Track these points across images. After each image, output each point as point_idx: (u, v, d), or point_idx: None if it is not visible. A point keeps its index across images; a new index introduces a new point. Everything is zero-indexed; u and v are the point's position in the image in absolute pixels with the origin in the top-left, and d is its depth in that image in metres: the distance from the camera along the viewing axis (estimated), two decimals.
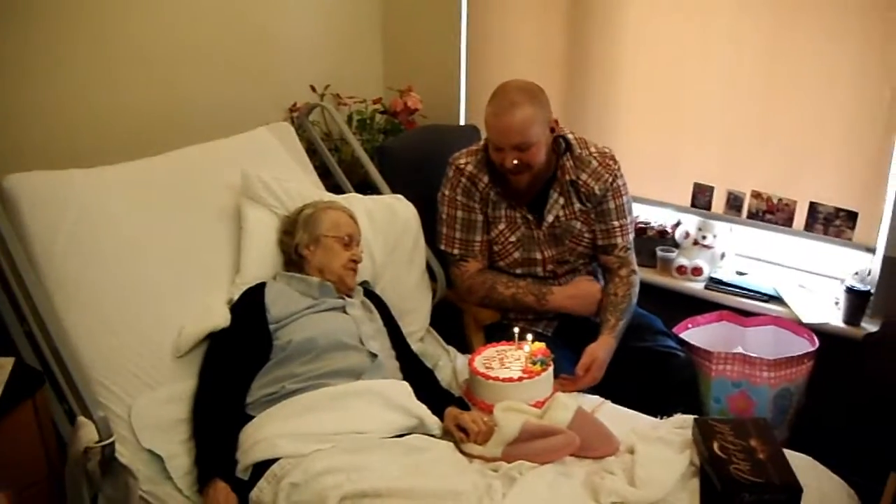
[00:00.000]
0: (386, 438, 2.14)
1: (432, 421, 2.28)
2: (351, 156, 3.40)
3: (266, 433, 2.10)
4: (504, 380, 2.38)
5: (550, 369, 2.45)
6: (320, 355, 2.29)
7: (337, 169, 3.24)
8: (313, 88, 3.51)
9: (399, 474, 1.97)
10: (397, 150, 3.32)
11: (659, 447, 2.18)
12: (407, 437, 2.18)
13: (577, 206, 2.75)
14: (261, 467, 2.04)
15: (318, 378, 2.25)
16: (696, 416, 2.28)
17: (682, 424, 2.30)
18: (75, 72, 2.70)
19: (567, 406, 2.26)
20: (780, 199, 3.27)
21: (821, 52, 3.05)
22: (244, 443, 2.11)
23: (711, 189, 3.40)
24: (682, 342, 2.95)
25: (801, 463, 2.09)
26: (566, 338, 2.81)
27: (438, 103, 3.87)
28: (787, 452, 2.10)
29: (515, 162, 2.58)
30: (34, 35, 2.57)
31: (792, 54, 3.10)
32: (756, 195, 3.31)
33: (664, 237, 3.47)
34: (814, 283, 3.31)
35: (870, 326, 3.07)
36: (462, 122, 3.93)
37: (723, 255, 3.45)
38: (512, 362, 2.47)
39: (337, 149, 3.50)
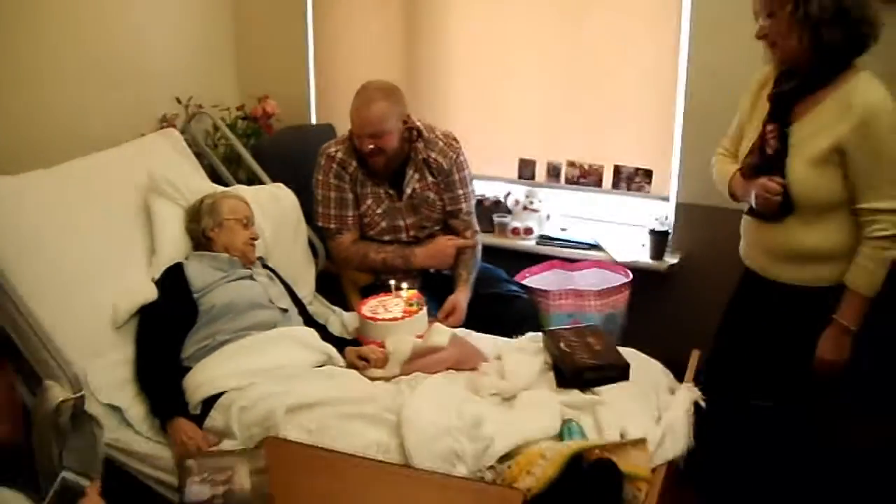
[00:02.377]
0: (306, 368, 2.67)
1: (338, 356, 2.82)
2: (226, 157, 3.88)
3: (208, 375, 2.59)
4: (390, 320, 2.93)
5: (425, 308, 3.02)
6: (240, 314, 2.79)
7: (221, 167, 3.73)
8: (178, 100, 3.94)
9: (325, 390, 2.50)
10: (268, 149, 3.86)
11: (518, 353, 2.78)
12: (321, 368, 2.71)
13: (430, 179, 3.33)
14: (208, 404, 2.52)
15: (242, 331, 2.75)
16: (544, 329, 2.90)
17: (533, 338, 2.91)
18: None
19: (443, 332, 2.85)
20: (590, 165, 3.95)
21: (612, 36, 3.77)
22: (190, 386, 2.58)
23: (534, 162, 4.06)
24: (524, 287, 3.58)
25: (627, 353, 2.73)
26: (429, 292, 3.36)
27: (291, 106, 4.39)
28: (617, 347, 2.74)
29: (371, 147, 3.15)
30: None
31: (589, 41, 3.82)
32: (571, 164, 4.00)
33: (498, 206, 4.11)
34: (624, 231, 4.02)
35: (671, 259, 3.79)
36: (314, 122, 4.47)
37: (548, 216, 4.11)
38: (392, 307, 3.02)
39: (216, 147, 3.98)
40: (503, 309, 3.36)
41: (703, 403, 2.48)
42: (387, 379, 2.71)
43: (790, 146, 2.46)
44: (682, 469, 2.38)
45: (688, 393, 2.49)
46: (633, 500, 2.06)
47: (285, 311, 2.91)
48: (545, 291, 3.56)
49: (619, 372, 2.60)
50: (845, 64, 2.40)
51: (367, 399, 2.46)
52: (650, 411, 2.42)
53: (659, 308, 3.75)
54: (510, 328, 3.10)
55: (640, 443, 2.15)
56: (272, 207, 3.36)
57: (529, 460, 2.05)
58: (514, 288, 3.51)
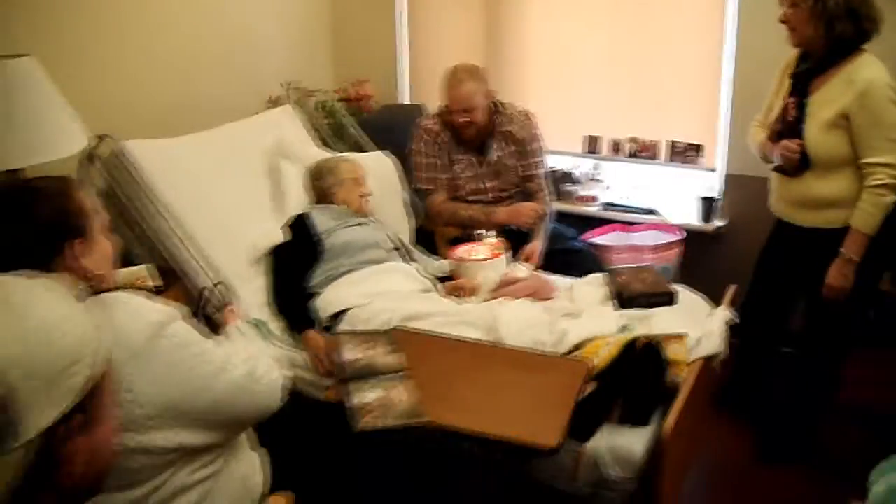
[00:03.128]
0: (414, 292, 3.30)
1: (438, 287, 3.44)
2: (332, 132, 4.54)
3: (335, 296, 3.22)
4: (479, 260, 3.53)
5: (508, 252, 3.62)
6: (357, 251, 3.42)
7: (330, 136, 4.39)
8: (282, 84, 4.56)
9: (431, 306, 3.12)
10: (368, 125, 4.52)
11: (585, 285, 3.39)
12: (426, 293, 3.34)
13: (510, 148, 3.94)
14: (337, 318, 3.15)
15: (359, 265, 3.37)
16: (606, 269, 3.51)
17: (597, 277, 3.49)
18: (122, 69, 3.76)
19: (523, 268, 3.47)
20: (648, 141, 4.53)
21: (667, 25, 4.36)
22: (320, 305, 3.21)
23: (599, 138, 4.65)
24: (591, 244, 4.18)
25: (675, 287, 3.31)
26: (509, 245, 3.95)
27: (385, 88, 5.05)
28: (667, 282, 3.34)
29: (463, 120, 3.77)
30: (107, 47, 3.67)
31: (647, 29, 4.41)
32: (631, 139, 4.58)
33: (567, 176, 4.70)
34: (678, 198, 4.58)
35: (718, 222, 4.36)
36: (407, 101, 5.12)
37: (609, 186, 4.70)
38: (480, 251, 3.61)
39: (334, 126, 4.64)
40: (572, 259, 3.91)
41: (736, 319, 3.06)
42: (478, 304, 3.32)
43: (807, 115, 3.05)
44: (717, 370, 2.97)
45: (722, 313, 3.08)
46: (674, 379, 2.65)
47: (392, 250, 3.54)
48: (608, 246, 4.16)
49: (667, 298, 3.20)
50: (852, 49, 2.98)
51: (465, 311, 3.07)
52: (692, 324, 3.00)
53: (707, 264, 4.31)
54: (578, 275, 3.63)
55: (680, 337, 2.74)
56: (378, 171, 3.98)
57: (596, 347, 2.67)
58: (581, 244, 4.12)
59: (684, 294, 3.32)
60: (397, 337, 2.61)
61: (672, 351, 2.69)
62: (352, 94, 4.87)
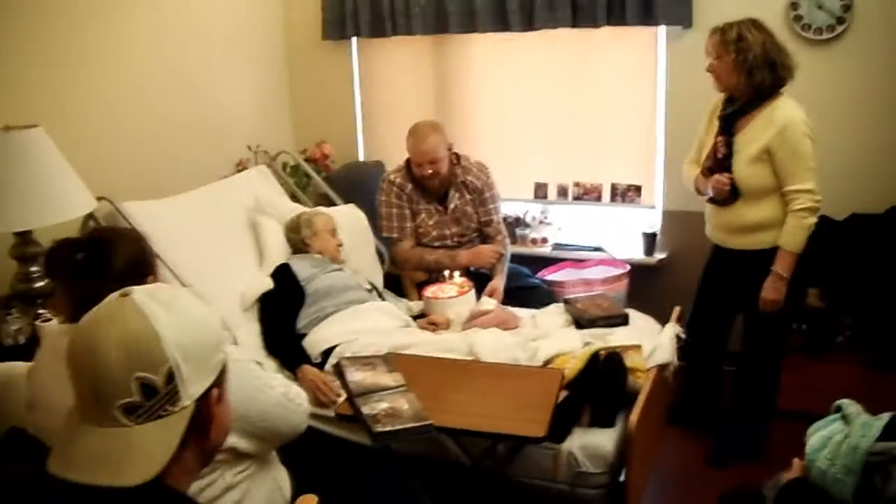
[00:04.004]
0: (395, 328, 3.64)
1: (413, 323, 3.78)
2: (304, 189, 4.89)
3: (323, 335, 3.53)
4: (448, 298, 3.88)
5: (473, 290, 3.97)
6: (339, 293, 3.75)
7: (301, 194, 4.74)
8: (249, 147, 4.88)
9: (413, 339, 3.46)
10: (335, 180, 4.88)
11: (546, 314, 3.76)
12: (405, 328, 3.68)
13: (468, 197, 4.30)
14: (326, 354, 3.45)
15: (342, 305, 3.70)
16: (564, 299, 3.88)
17: (557, 307, 3.87)
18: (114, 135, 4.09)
19: (490, 301, 3.84)
20: (591, 184, 4.94)
21: (606, 82, 4.78)
22: (309, 344, 3.52)
23: (546, 185, 5.04)
24: (545, 280, 4.56)
25: (629, 311, 3.69)
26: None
27: (343, 147, 5.38)
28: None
29: (430, 171, 4.13)
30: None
31: (587, 85, 4.82)
32: (576, 184, 4.97)
33: (519, 221, 5.06)
34: (621, 235, 4.96)
35: (660, 255, 4.76)
36: (362, 159, 5.48)
37: (559, 228, 5.08)
38: (448, 290, 3.95)
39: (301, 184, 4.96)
40: (530, 295, 4.28)
41: (682, 336, 3.45)
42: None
43: (734, 151, 3.46)
44: (669, 381, 3.35)
45: (671, 328, 3.47)
46: (633, 385, 3.02)
47: (370, 291, 3.88)
48: (561, 282, 4.53)
49: (622, 319, 3.58)
50: (771, 93, 3.40)
51: (444, 340, 3.42)
52: (645, 339, 3.37)
53: (652, 292, 4.64)
54: (537, 308, 4.01)
55: (637, 348, 3.12)
56: (349, 222, 4.33)
57: (564, 361, 3.03)
58: (537, 281, 4.50)
59: (635, 316, 3.70)
60: (391, 360, 2.92)
61: (630, 360, 3.06)
62: (315, 154, 5.21)
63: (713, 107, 3.63)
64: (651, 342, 3.31)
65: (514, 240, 5.00)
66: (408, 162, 4.24)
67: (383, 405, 2.54)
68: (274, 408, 2.15)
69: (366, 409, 2.52)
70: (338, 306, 3.69)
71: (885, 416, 1.94)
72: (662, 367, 3.25)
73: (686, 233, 4.57)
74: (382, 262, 4.56)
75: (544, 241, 5.04)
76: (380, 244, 4.54)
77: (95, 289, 1.64)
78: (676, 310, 3.71)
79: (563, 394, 2.89)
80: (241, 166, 4.79)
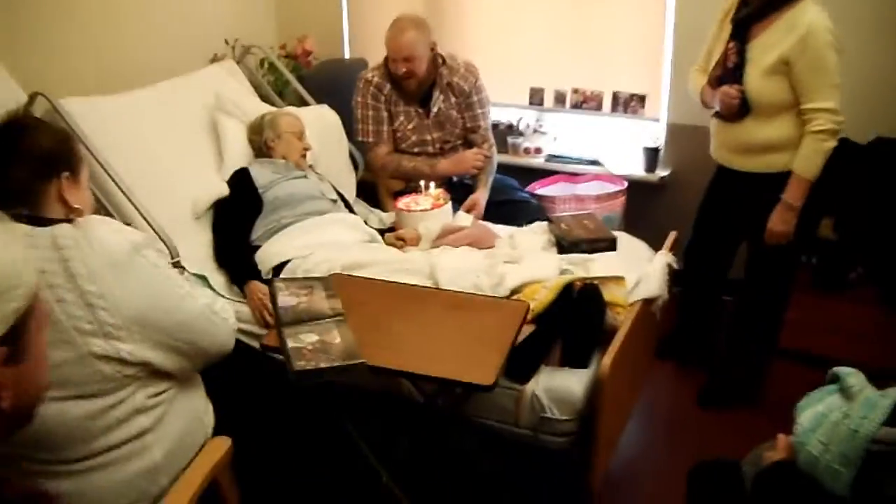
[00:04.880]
0: (356, 242, 3.29)
1: (379, 237, 3.43)
2: (283, 86, 4.49)
3: (276, 248, 3.20)
4: (421, 210, 3.53)
5: (450, 202, 3.63)
6: (298, 203, 3.40)
7: (273, 93, 4.34)
8: (227, 41, 4.48)
9: (372, 255, 3.11)
10: (310, 80, 4.47)
11: (527, 233, 3.40)
12: (368, 243, 3.33)
13: (453, 100, 3.92)
14: (278, 269, 3.13)
15: (301, 216, 3.36)
16: (548, 217, 3.52)
17: (539, 225, 3.51)
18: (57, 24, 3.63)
19: (466, 217, 3.48)
20: (591, 92, 4.53)
21: None
22: (262, 257, 3.19)
23: (543, 90, 4.64)
24: (535, 195, 4.19)
25: (617, 234, 3.33)
26: (453, 196, 3.94)
27: (327, 44, 4.96)
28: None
29: (404, 70, 3.74)
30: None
31: None
32: (575, 91, 4.56)
33: (512, 129, 4.68)
34: (621, 149, 4.57)
35: (662, 172, 4.38)
36: (347, 56, 5.06)
37: (555, 137, 4.69)
38: (423, 202, 3.61)
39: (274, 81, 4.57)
40: (517, 210, 3.93)
41: (674, 265, 3.08)
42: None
43: (747, 60, 3.04)
44: (657, 316, 2.99)
45: (662, 257, 3.10)
46: (612, 321, 2.67)
47: (334, 201, 3.52)
48: (552, 197, 4.17)
49: (608, 244, 3.22)
50: None
51: (407, 259, 3.07)
52: (631, 269, 3.01)
53: (651, 213, 4.33)
54: (521, 225, 3.66)
55: (619, 279, 2.76)
56: (318, 125, 3.96)
57: (534, 290, 2.67)
58: (526, 195, 4.13)
59: (626, 240, 3.36)
60: (336, 283, 2.58)
61: (610, 293, 2.71)
62: (296, 49, 4.80)
63: (726, 9, 3.21)
64: (637, 272, 2.96)
65: (506, 148, 4.65)
66: (386, 59, 3.84)
67: (312, 338, 2.20)
68: (195, 319, 1.98)
69: (291, 342, 2.18)
70: (297, 217, 3.36)
71: (893, 394, 1.58)
72: (648, 302, 2.88)
73: (692, 149, 4.14)
74: (357, 168, 4.19)
75: (538, 151, 4.68)
76: (354, 149, 4.17)
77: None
78: (671, 236, 3.35)
79: (530, 329, 2.54)
80: (215, 61, 4.38)
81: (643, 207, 4.30)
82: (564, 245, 3.19)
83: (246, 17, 4.79)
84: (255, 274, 3.14)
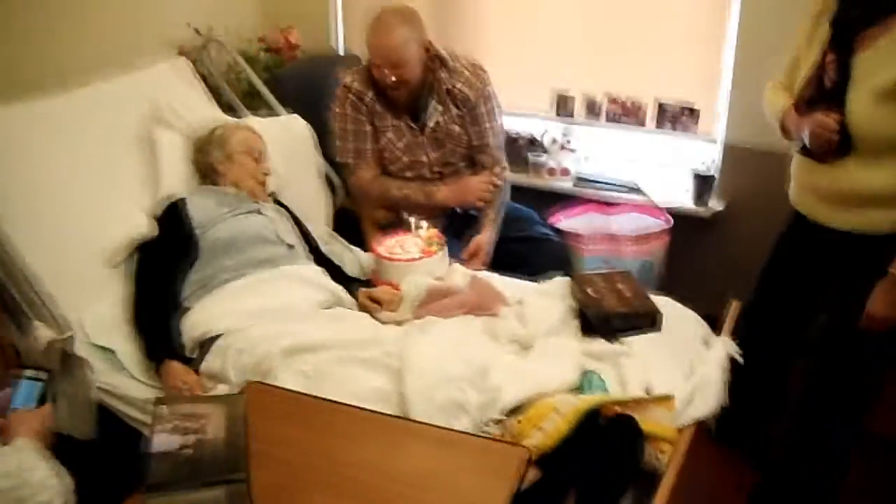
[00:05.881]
0: (311, 309, 2.48)
1: (346, 297, 2.64)
2: (249, 92, 3.67)
3: (206, 316, 2.42)
4: (406, 260, 2.73)
5: (445, 249, 2.83)
6: (243, 249, 2.61)
7: (234, 96, 3.52)
8: (197, 31, 3.71)
9: (327, 332, 2.31)
10: (290, 78, 3.67)
11: (542, 297, 2.57)
12: (328, 310, 2.53)
13: (454, 111, 3.10)
14: (205, 346, 2.35)
15: (244, 268, 2.57)
16: (571, 274, 2.69)
17: (559, 283, 2.69)
18: None
19: (462, 273, 2.65)
20: (632, 102, 3.70)
21: None
22: (187, 327, 2.42)
23: (571, 97, 3.82)
24: (557, 230, 3.37)
25: (659, 301, 2.49)
26: (455, 232, 3.16)
27: (317, 38, 4.17)
28: (649, 294, 2.52)
29: (393, 79, 2.93)
30: None
31: None
32: (611, 99, 3.74)
33: (533, 144, 3.89)
34: (666, 174, 3.78)
35: (715, 206, 3.54)
36: (342, 53, 4.24)
37: (586, 157, 3.90)
38: (410, 247, 2.82)
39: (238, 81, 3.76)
40: (532, 252, 3.17)
41: (739, 359, 2.25)
42: (399, 323, 2.51)
43: (852, 78, 2.21)
44: (712, 431, 2.16)
45: (724, 346, 2.26)
46: (654, 462, 1.84)
47: (291, 247, 2.72)
48: (578, 235, 3.37)
49: (650, 320, 2.38)
50: None
51: (370, 342, 2.27)
52: (681, 365, 2.20)
53: (699, 258, 3.56)
54: (538, 272, 2.88)
55: (666, 399, 1.93)
56: (284, 140, 3.18)
57: (541, 414, 1.85)
58: (546, 230, 3.32)
59: (670, 309, 2.52)
60: (254, 396, 1.77)
61: (653, 419, 1.88)
62: (278, 41, 3.99)
63: (820, 5, 2.34)
64: (686, 370, 2.16)
65: (525, 168, 3.90)
66: (370, 62, 3.04)
67: None
68: None
69: None
70: (238, 270, 2.58)
71: None
72: (701, 422, 2.05)
73: (756, 178, 3.45)
74: (337, 194, 3.37)
75: (564, 172, 3.88)
76: (332, 171, 3.36)
77: None
78: (733, 307, 2.52)
79: (534, 475, 1.72)
80: (184, 54, 3.57)
81: (689, 249, 3.52)
82: (591, 319, 2.37)
83: (222, 1, 4.00)
84: (174, 349, 2.39)
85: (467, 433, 1.85)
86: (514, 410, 1.94)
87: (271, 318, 2.38)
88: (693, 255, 3.51)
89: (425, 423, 1.83)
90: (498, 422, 1.93)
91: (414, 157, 3.14)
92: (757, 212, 3.37)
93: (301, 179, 3.21)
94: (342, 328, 2.38)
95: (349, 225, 3.33)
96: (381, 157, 3.17)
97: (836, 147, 2.23)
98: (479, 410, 1.94)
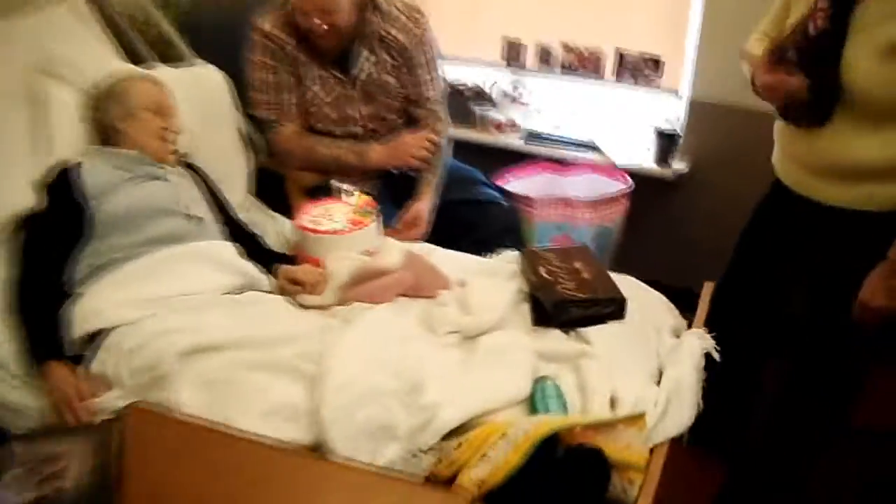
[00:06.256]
0: (218, 296, 2.13)
1: (262, 277, 2.29)
2: (153, 37, 3.25)
3: (97, 304, 2.04)
4: (332, 232, 2.39)
5: (378, 219, 2.50)
6: (142, 223, 2.24)
7: (141, 43, 3.09)
8: None
9: (235, 326, 1.97)
10: (207, 24, 3.27)
11: (488, 278, 2.25)
12: (238, 295, 2.17)
13: (388, 61, 2.75)
14: (96, 339, 1.99)
15: (143, 246, 2.20)
16: (521, 249, 2.37)
17: (509, 260, 2.38)
18: None
19: (397, 248, 2.31)
20: (588, 51, 3.39)
21: None
22: (76, 317, 2.04)
23: (522, 45, 3.50)
24: (506, 192, 3.07)
25: (622, 281, 2.18)
26: (391, 196, 2.83)
27: None
28: (610, 274, 2.20)
29: (322, 26, 2.56)
30: None
31: None
32: (566, 47, 3.43)
33: (480, 96, 3.57)
34: (626, 131, 3.49)
35: (679, 166, 3.24)
36: None
37: (538, 110, 3.59)
38: (339, 217, 2.48)
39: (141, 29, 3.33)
40: (478, 217, 2.86)
41: (716, 355, 1.95)
42: (323, 307, 2.18)
43: (852, 30, 1.89)
44: (685, 439, 1.85)
45: (698, 341, 1.96)
46: (622, 495, 1.53)
47: (200, 220, 2.35)
48: (529, 198, 3.07)
49: (614, 308, 2.08)
50: None
51: (285, 339, 1.93)
52: (649, 365, 1.90)
53: (661, 223, 3.33)
54: (485, 241, 2.63)
55: (638, 419, 1.61)
56: (198, 93, 2.78)
57: (486, 439, 1.52)
58: (493, 193, 3.00)
59: (634, 291, 2.22)
60: (134, 424, 1.43)
61: (621, 441, 1.56)
62: None
63: None
64: (655, 374, 1.86)
65: (471, 121, 3.58)
66: (290, 5, 2.66)
67: None
68: None
69: None
70: (136, 248, 2.20)
71: None
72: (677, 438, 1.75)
73: (724, 136, 3.23)
74: (256, 154, 3.01)
75: (513, 127, 3.59)
76: (251, 127, 3.00)
77: None
78: (707, 289, 2.23)
79: None
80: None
81: (650, 215, 3.24)
82: (546, 308, 2.05)
83: None
84: (57, 347, 2.00)
85: (395, 475, 1.52)
86: (455, 430, 1.61)
87: (171, 308, 2.03)
88: (654, 222, 3.26)
89: (343, 463, 1.50)
90: (432, 448, 1.60)
91: (343, 112, 2.79)
92: (725, 174, 3.15)
93: (217, 138, 2.82)
94: (254, 320, 2.03)
95: (273, 188, 2.96)
96: (305, 111, 2.81)
97: (809, 112, 1.94)
98: (410, 435, 1.61)
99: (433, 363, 1.81)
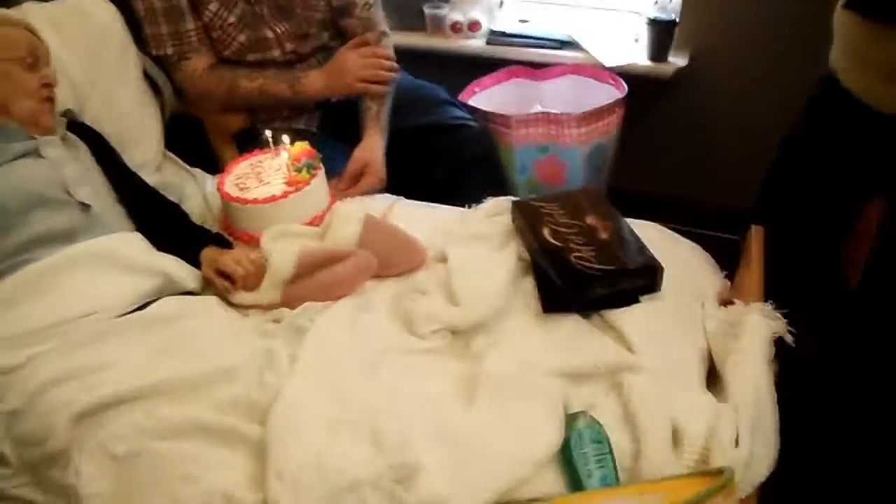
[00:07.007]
0: (124, 315, 1.60)
1: (184, 274, 1.77)
2: None
3: None
4: (264, 200, 1.89)
5: (321, 173, 2.00)
6: (14, 222, 1.69)
7: None
8: None
9: (147, 362, 1.46)
10: None
11: (475, 246, 1.77)
12: (153, 304, 1.65)
13: None
14: None
15: (18, 254, 1.67)
16: (513, 199, 1.89)
17: (496, 211, 1.92)
18: None
19: (351, 217, 1.79)
20: None
21: None
22: None
23: None
24: (473, 109, 2.58)
25: (648, 233, 1.71)
26: (336, 129, 2.36)
27: None
28: (631, 222, 1.72)
29: None
30: None
31: None
32: None
33: None
34: (611, 21, 2.97)
35: (678, 61, 2.76)
36: None
37: (501, 3, 3.06)
38: (271, 175, 1.99)
39: None
40: (444, 145, 2.37)
41: (789, 338, 1.47)
42: (263, 308, 1.69)
43: None
44: None
45: (765, 324, 1.47)
46: None
47: (86, 207, 1.79)
48: (504, 116, 2.55)
49: (647, 281, 1.59)
50: None
51: (216, 378, 1.42)
52: (698, 356, 1.43)
53: (660, 132, 2.85)
54: (458, 177, 2.27)
55: (723, 481, 1.12)
56: (79, 29, 2.21)
57: None
58: (460, 113, 2.48)
59: (664, 243, 1.74)
60: None
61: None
62: None
63: None
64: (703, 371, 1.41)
65: (421, 25, 3.04)
66: None
67: None
68: None
69: None
70: (6, 260, 1.67)
71: None
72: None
73: (731, 20, 2.66)
74: (162, 103, 2.44)
75: (474, 26, 3.01)
76: (156, 68, 2.41)
77: None
78: (754, 236, 1.75)
79: None
80: None
81: (647, 120, 2.79)
82: (559, 290, 1.57)
83: None
84: None
85: None
86: None
87: (63, 342, 1.52)
88: (651, 130, 2.78)
89: None
90: None
91: (255, 34, 2.26)
92: (736, 67, 2.65)
93: (113, 87, 2.26)
94: (172, 347, 1.52)
95: (190, 137, 2.43)
96: (210, 38, 2.27)
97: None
98: None
99: (422, 407, 1.33)
